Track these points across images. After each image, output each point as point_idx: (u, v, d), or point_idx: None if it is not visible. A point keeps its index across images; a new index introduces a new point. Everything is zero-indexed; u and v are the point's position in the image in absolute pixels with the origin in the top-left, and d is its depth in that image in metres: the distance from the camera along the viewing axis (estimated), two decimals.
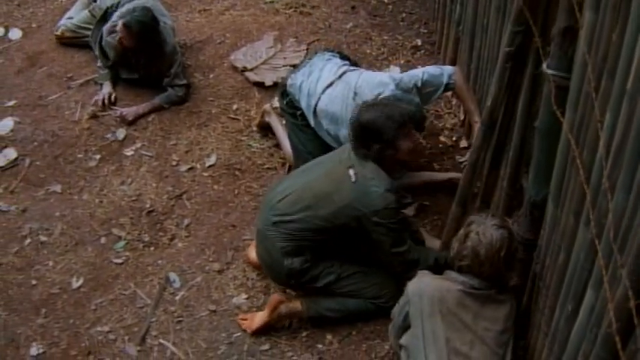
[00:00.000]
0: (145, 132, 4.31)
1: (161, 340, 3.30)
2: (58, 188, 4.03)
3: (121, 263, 3.64)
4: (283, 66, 4.58)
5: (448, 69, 3.66)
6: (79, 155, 4.20)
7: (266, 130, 4.22)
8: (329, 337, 3.29)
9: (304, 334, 3.31)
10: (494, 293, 2.80)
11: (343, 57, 3.94)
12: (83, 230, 3.80)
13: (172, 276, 3.56)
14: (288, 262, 3.13)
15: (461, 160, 3.95)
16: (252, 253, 3.50)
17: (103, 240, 3.75)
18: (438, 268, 3.04)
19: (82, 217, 3.86)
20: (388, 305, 3.12)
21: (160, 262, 3.63)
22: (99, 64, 4.61)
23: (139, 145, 4.24)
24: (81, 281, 3.56)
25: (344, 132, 3.57)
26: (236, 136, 4.25)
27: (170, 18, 4.69)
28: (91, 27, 4.73)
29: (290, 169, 3.99)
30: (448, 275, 2.84)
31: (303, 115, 3.82)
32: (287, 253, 3.13)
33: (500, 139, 3.21)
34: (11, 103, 4.55)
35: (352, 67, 3.78)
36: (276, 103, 4.21)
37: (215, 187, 3.99)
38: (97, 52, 4.60)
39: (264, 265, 3.30)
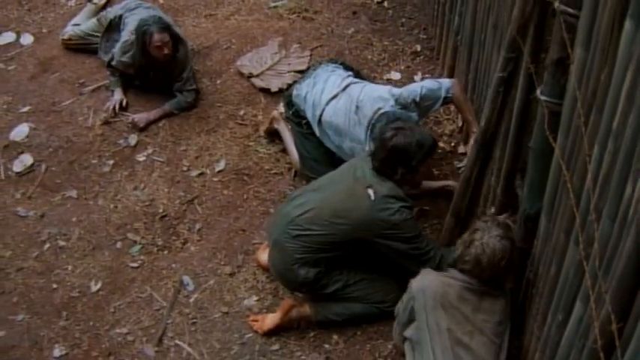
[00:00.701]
0: (156, 138, 4.48)
1: (177, 341, 3.50)
2: (73, 193, 4.21)
3: (137, 267, 3.83)
4: (287, 72, 4.74)
5: (446, 82, 3.83)
6: (93, 161, 4.38)
7: (273, 135, 4.39)
8: (335, 337, 3.49)
9: (312, 334, 3.51)
10: (491, 289, 3.02)
11: (347, 67, 4.11)
12: (100, 235, 3.98)
13: (186, 279, 3.75)
14: (304, 272, 3.32)
15: (459, 166, 4.13)
16: (262, 257, 3.70)
17: (118, 244, 3.94)
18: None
19: (98, 222, 4.04)
20: (392, 309, 3.31)
21: (173, 265, 3.83)
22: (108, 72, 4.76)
23: (150, 150, 4.41)
24: (99, 285, 3.75)
25: (347, 144, 3.76)
26: (243, 142, 4.42)
27: (177, 26, 4.81)
28: (98, 35, 4.88)
29: (296, 174, 4.18)
30: (450, 273, 3.07)
31: (308, 124, 4.00)
32: (304, 264, 3.32)
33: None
34: (26, 109, 4.71)
35: (356, 80, 3.94)
36: (282, 108, 4.39)
37: (225, 192, 4.17)
38: (105, 61, 4.74)
39: (277, 272, 3.49)
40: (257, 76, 4.75)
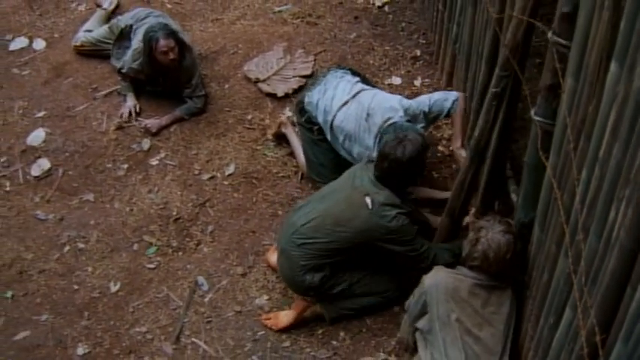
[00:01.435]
0: (168, 142, 4.68)
1: (194, 339, 3.73)
2: (90, 197, 4.41)
3: (154, 268, 4.04)
4: (293, 77, 4.94)
5: (453, 95, 4.04)
6: (108, 165, 4.58)
7: (280, 139, 4.60)
8: (342, 334, 3.72)
9: (320, 331, 3.74)
10: (498, 283, 3.27)
11: (354, 73, 4.30)
12: (117, 237, 4.19)
13: (201, 279, 3.97)
14: (310, 277, 3.55)
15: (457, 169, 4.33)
16: (272, 258, 3.93)
17: (135, 246, 4.15)
18: (455, 257, 3.52)
19: (115, 224, 4.25)
20: (394, 296, 3.71)
21: (188, 266, 4.04)
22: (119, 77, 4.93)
23: (163, 154, 4.61)
24: (118, 285, 3.97)
25: (357, 149, 3.97)
26: (252, 146, 4.62)
27: (184, 34, 4.96)
28: (110, 42, 5.05)
29: (302, 177, 4.39)
30: (460, 270, 3.31)
31: (319, 130, 4.19)
32: (309, 270, 3.55)
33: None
34: (41, 114, 4.89)
35: (366, 87, 4.14)
36: (289, 113, 4.59)
37: (235, 195, 4.38)
38: (117, 67, 4.92)
39: (285, 278, 3.72)
40: (263, 81, 4.94)
